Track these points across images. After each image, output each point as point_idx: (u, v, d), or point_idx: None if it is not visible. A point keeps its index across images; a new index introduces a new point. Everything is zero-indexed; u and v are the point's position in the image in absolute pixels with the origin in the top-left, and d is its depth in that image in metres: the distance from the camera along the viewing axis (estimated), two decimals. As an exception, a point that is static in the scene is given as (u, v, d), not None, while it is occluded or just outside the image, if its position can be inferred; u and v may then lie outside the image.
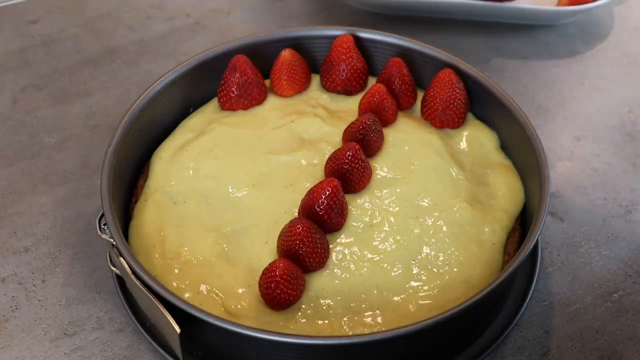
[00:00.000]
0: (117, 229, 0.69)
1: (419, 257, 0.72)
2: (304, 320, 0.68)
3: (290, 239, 0.69)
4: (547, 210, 0.70)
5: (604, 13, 1.16)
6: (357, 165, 0.75)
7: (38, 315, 0.76)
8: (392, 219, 0.74)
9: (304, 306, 0.69)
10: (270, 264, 0.68)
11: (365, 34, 0.90)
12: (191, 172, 0.80)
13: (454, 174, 0.79)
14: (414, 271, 0.71)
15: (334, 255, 0.72)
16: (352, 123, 0.81)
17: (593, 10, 1.11)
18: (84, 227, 0.84)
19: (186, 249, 0.73)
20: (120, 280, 0.77)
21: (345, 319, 0.68)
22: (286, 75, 0.87)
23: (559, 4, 1.12)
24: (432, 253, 0.72)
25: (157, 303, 0.64)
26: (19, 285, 0.78)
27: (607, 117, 0.99)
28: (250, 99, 0.86)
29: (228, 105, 0.86)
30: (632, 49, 1.10)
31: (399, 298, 0.70)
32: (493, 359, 0.72)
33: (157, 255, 0.73)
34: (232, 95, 0.85)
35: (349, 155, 0.75)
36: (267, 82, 0.89)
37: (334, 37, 0.89)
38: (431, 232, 0.74)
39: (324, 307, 0.69)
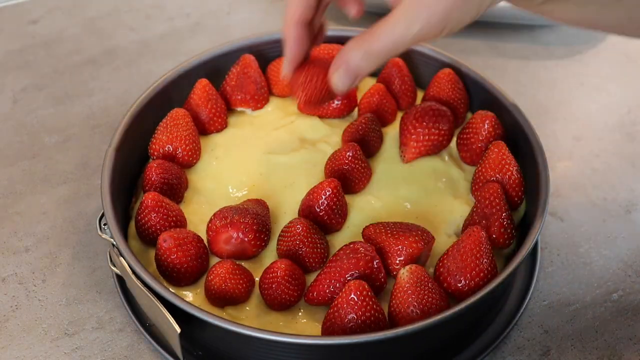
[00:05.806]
0: (117, 229, 0.69)
1: (419, 257, 0.72)
2: (304, 320, 0.68)
3: (290, 239, 0.69)
4: (547, 210, 0.70)
5: (604, 13, 1.16)
6: (357, 166, 0.75)
7: (38, 315, 0.76)
8: (392, 219, 0.74)
9: (304, 306, 0.69)
10: (270, 264, 0.68)
11: (365, 34, 0.90)
12: (192, 172, 0.80)
13: (453, 174, 0.79)
14: (414, 271, 0.71)
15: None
16: (352, 123, 0.81)
17: (593, 10, 1.11)
18: (84, 227, 0.84)
19: (186, 249, 0.73)
20: (120, 280, 0.77)
21: (345, 319, 0.68)
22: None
23: (559, 4, 1.12)
24: (432, 253, 0.72)
25: (157, 303, 0.64)
26: (19, 285, 0.78)
27: (607, 117, 0.99)
28: (245, 92, 0.85)
29: (226, 98, 0.86)
30: (632, 49, 1.10)
31: (399, 298, 0.69)
32: (493, 359, 0.72)
33: (157, 255, 0.73)
34: (227, 87, 0.85)
35: (349, 155, 0.75)
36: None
37: (334, 38, 0.88)
38: (431, 232, 0.74)
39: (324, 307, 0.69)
